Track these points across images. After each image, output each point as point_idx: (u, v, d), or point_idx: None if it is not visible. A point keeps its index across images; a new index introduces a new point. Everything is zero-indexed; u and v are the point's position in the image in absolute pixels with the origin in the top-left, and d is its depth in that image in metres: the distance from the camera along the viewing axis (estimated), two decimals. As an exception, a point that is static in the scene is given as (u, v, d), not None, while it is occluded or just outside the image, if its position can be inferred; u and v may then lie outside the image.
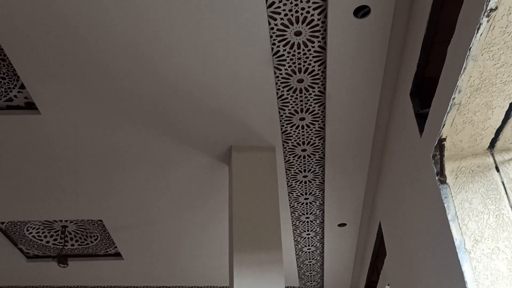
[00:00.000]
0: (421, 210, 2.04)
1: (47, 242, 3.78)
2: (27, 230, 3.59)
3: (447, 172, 1.77)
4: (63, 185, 2.97)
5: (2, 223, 3.44)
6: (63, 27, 1.95)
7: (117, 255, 3.94)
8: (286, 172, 2.91)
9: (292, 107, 2.43)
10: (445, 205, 1.72)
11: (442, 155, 1.76)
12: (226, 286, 4.45)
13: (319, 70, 2.21)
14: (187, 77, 2.21)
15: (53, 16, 1.90)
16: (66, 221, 3.52)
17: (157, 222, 3.43)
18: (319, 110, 2.45)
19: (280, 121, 2.52)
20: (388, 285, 3.01)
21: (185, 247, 3.76)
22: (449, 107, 1.60)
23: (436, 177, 1.78)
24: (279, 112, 2.46)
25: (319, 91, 2.33)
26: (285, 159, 2.80)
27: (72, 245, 3.84)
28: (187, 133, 2.58)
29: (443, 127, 1.68)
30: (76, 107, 2.37)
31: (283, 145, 2.70)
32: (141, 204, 3.20)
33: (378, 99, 2.36)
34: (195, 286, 4.53)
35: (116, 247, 3.82)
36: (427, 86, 1.97)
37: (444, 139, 1.73)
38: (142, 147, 2.66)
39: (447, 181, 1.76)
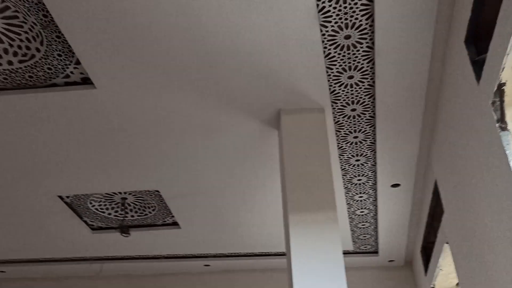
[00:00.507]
0: (481, 160, 1.98)
1: (109, 214, 3.98)
2: (90, 203, 3.79)
3: (507, 118, 1.70)
4: (121, 157, 3.10)
5: (68, 197, 3.65)
6: (113, 1, 2.00)
7: (175, 224, 4.09)
8: (336, 133, 2.90)
9: (340, 65, 2.39)
10: (507, 152, 1.66)
11: (502, 101, 1.70)
12: (282, 252, 4.54)
13: (366, 24, 2.16)
14: (233, 40, 2.22)
15: (102, -12, 1.96)
16: (125, 193, 3.68)
17: (210, 190, 3.52)
18: (368, 66, 2.40)
19: (328, 80, 2.49)
20: (447, 243, 2.96)
21: (239, 214, 3.84)
22: (508, 49, 1.53)
23: (496, 124, 1.72)
24: (327, 72, 2.44)
25: (367, 46, 2.28)
26: (334, 120, 2.78)
27: (132, 216, 4.02)
28: (235, 99, 2.61)
29: (502, 71, 1.61)
30: (129, 79, 2.45)
31: (332, 105, 2.67)
32: (194, 172, 3.29)
33: (430, 50, 2.28)
34: (251, 253, 4.65)
35: (173, 216, 3.97)
36: (482, 31, 1.89)
37: (504, 84, 1.66)
38: (193, 115, 2.72)
39: (508, 127, 1.69)
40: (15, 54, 2.37)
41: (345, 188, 3.47)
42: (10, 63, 2.42)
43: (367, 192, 3.53)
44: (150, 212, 3.96)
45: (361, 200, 3.65)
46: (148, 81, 2.46)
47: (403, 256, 4.66)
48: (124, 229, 3.74)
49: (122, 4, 2.02)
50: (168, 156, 3.09)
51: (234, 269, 4.95)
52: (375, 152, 3.07)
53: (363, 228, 4.11)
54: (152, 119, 2.73)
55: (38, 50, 2.35)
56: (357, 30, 2.19)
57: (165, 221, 4.09)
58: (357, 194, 3.55)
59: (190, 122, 2.78)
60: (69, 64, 2.42)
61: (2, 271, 4.90)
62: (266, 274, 4.89)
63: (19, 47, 2.34)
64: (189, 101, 2.61)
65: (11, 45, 2.33)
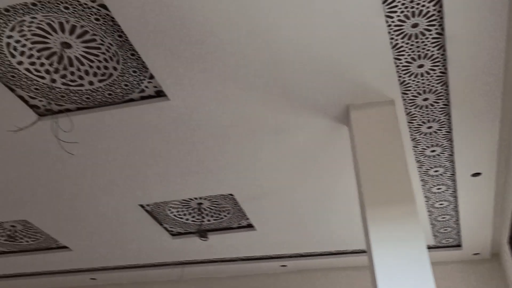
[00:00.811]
0: None
1: (187, 219, 4.14)
2: (169, 210, 3.96)
3: None
4: (195, 164, 3.22)
5: (148, 205, 3.84)
6: (182, 18, 2.10)
7: (250, 226, 4.17)
8: (408, 125, 2.82)
9: (409, 55, 2.34)
10: None
11: None
12: (360, 250, 4.47)
13: (434, 10, 2.09)
14: (297, 36, 2.23)
15: (174, 6, 2.06)
16: (200, 198, 3.81)
17: (283, 190, 3.55)
18: (438, 54, 2.32)
19: (397, 72, 2.44)
20: (538, 232, 2.78)
21: (314, 212, 3.85)
22: None
23: None
24: (395, 63, 2.39)
25: (436, 33, 2.21)
26: (406, 111, 2.71)
27: (208, 220, 4.15)
28: (303, 97, 2.62)
29: None
30: (199, 89, 2.54)
31: (403, 97, 2.61)
32: (266, 174, 3.34)
33: (505, 30, 2.17)
34: (328, 251, 4.63)
35: (247, 218, 4.05)
36: None
37: None
38: (262, 118, 2.77)
39: None
40: (95, 74, 2.55)
41: (422, 180, 3.37)
42: (91, 83, 2.60)
43: (445, 183, 3.40)
44: (225, 216, 4.07)
45: (439, 192, 3.52)
46: (217, 88, 2.54)
47: (489, 248, 4.43)
48: (203, 233, 3.87)
49: (190, 20, 2.11)
50: (241, 160, 3.16)
51: (311, 268, 4.96)
52: (451, 142, 2.96)
53: (444, 221, 3.96)
54: (223, 125, 2.82)
55: (115, 68, 2.50)
56: (425, 17, 2.13)
57: (240, 224, 4.18)
58: (434, 186, 3.43)
59: (260, 125, 2.83)
60: (144, 79, 2.55)
61: (93, 278, 5.23)
62: (344, 273, 4.84)
63: (98, 67, 2.51)
64: (258, 105, 2.66)
65: (91, 67, 2.51)
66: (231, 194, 3.68)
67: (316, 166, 3.26)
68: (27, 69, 2.49)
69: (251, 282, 5.13)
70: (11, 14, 2.16)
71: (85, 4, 2.10)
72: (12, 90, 2.60)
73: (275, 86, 2.53)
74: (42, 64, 2.48)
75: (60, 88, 2.61)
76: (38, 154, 3.07)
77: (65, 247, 4.50)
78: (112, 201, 3.67)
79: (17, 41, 2.33)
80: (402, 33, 2.21)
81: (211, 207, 3.97)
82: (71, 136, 2.79)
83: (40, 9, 2.13)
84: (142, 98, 2.69)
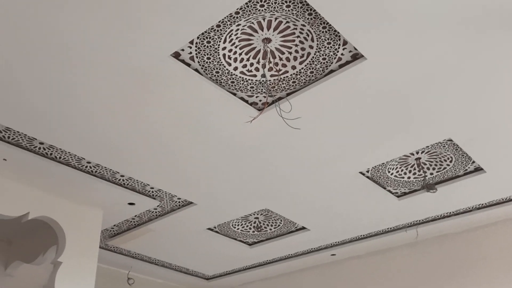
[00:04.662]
0: None
1: (408, 178, 4.15)
2: (388, 172, 4.04)
3: None
4: (400, 120, 3.25)
5: (368, 171, 3.99)
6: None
7: (478, 170, 3.96)
8: None
9: None
10: None
11: None
12: None
13: None
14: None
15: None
16: (417, 152, 3.80)
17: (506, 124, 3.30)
18: None
19: None
20: None
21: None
22: None
23: None
24: None
25: None
26: None
27: (431, 173, 4.08)
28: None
29: None
30: (391, 41, 2.59)
31: None
32: (487, 111, 3.17)
33: None
34: None
35: (473, 162, 3.86)
36: None
37: None
38: (456, 64, 2.67)
39: None
40: (295, 58, 2.83)
41: None
42: (293, 68, 2.89)
43: None
44: (448, 165, 3.96)
45: None
46: (407, 37, 2.55)
47: None
48: (430, 186, 3.84)
49: (369, -30, 2.20)
50: (458, 102, 3.07)
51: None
52: None
53: None
54: (423, 73, 2.80)
55: (311, 47, 2.74)
56: None
57: (466, 170, 4.01)
58: None
59: (458, 66, 2.73)
60: (338, 48, 2.73)
61: (333, 254, 5.61)
62: None
63: (296, 51, 2.79)
64: (454, 50, 2.58)
65: (290, 53, 2.80)
66: (450, 140, 3.58)
67: (540, 83, 2.95)
68: (242, 72, 2.91)
69: (490, 232, 4.81)
70: (221, 28, 2.58)
71: (275, -4, 2.38)
72: (234, 94, 3.06)
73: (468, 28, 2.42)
74: (251, 64, 2.87)
75: (270, 80, 2.97)
76: (267, 146, 3.51)
77: (303, 228, 4.96)
78: (333, 173, 3.93)
79: (229, 50, 2.75)
80: None
81: (430, 160, 3.92)
82: (289, 118, 3.13)
83: (242, 15, 2.49)
84: (341, 66, 2.86)
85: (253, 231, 5.05)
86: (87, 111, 3.08)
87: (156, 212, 4.53)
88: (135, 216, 4.57)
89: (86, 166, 3.73)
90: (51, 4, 2.31)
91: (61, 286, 3.78)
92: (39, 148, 3.48)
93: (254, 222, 4.88)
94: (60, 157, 3.60)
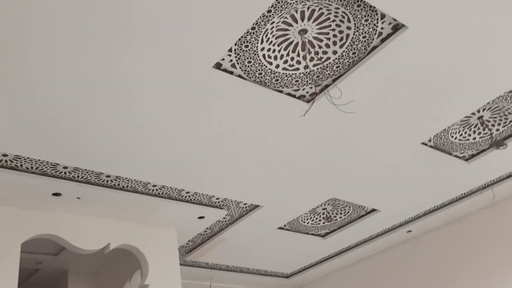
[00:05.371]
0: None
1: (474, 139, 3.99)
2: (452, 136, 3.89)
3: None
4: (461, 77, 3.12)
5: (429, 140, 3.87)
6: None
7: (547, 116, 3.74)
8: None
9: None
10: None
11: None
12: None
13: None
14: None
15: None
16: (478, 111, 3.64)
17: None
18: None
19: None
20: None
21: None
22: None
23: None
24: None
25: None
26: None
27: (497, 129, 3.90)
28: None
29: None
30: (429, 6, 2.50)
31: None
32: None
33: None
34: None
35: (541, 109, 3.65)
36: None
37: None
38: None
39: None
40: (334, 43, 2.79)
41: None
42: (334, 53, 2.85)
43: None
44: (514, 117, 3.77)
45: None
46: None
47: None
48: (499, 143, 3.67)
49: None
50: None
51: None
52: None
53: None
54: (469, 29, 2.68)
55: (349, 28, 2.70)
56: None
57: (535, 119, 3.80)
58: None
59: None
60: (377, 22, 2.66)
61: (409, 231, 5.47)
62: None
63: (334, 35, 2.75)
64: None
65: (328, 39, 2.76)
66: (511, 91, 3.40)
67: None
68: (284, 68, 2.90)
69: None
70: (256, 30, 2.59)
71: (304, -14, 2.36)
72: (280, 92, 3.06)
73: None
74: (292, 58, 2.86)
75: (313, 70, 2.95)
76: (323, 136, 3.49)
77: (373, 210, 4.88)
78: (394, 150, 3.84)
79: (268, 49, 2.76)
80: None
81: (493, 116, 3.74)
82: (341, 104, 3.09)
83: (274, 12, 2.49)
84: (382, 41, 2.79)
85: (324, 222, 5.02)
86: (144, 138, 3.19)
87: (225, 221, 4.60)
88: (207, 228, 4.67)
89: (153, 190, 3.86)
90: (110, 48, 2.41)
91: (152, 308, 3.92)
92: (107, 181, 3.63)
93: (323, 213, 4.85)
94: (127, 186, 3.74)
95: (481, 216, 5.16)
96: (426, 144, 3.90)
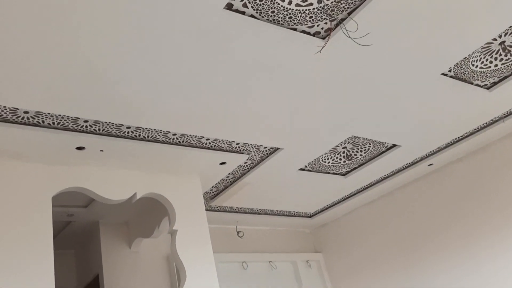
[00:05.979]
0: None
1: (496, 66, 3.87)
2: (472, 65, 3.79)
3: None
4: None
5: (449, 70, 3.77)
6: None
7: None
8: None
9: None
10: None
11: None
12: None
13: None
14: None
15: None
16: (500, 37, 3.51)
17: None
18: None
19: None
20: None
21: None
22: None
23: None
24: None
25: None
26: None
27: (521, 54, 3.77)
28: None
29: None
30: None
31: None
32: None
33: None
34: None
35: None
36: None
37: None
38: None
39: None
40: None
41: None
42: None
43: None
44: (538, 40, 3.62)
45: None
46: None
47: None
48: (522, 67, 3.55)
49: None
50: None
51: None
52: None
53: None
54: None
55: None
56: None
57: (560, 39, 3.64)
58: None
59: None
60: None
61: (430, 164, 5.47)
62: None
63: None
64: None
65: None
66: (534, 11, 3.25)
67: None
68: (297, 5, 2.81)
69: None
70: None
71: None
72: (294, 30, 2.98)
73: None
74: (305, -7, 2.76)
75: (327, 4, 2.85)
76: (341, 72, 3.43)
77: (394, 145, 4.87)
78: (414, 82, 3.76)
79: (280, -15, 2.66)
80: None
81: (516, 40, 3.61)
82: (358, 37, 3.00)
83: None
84: None
85: (344, 161, 5.05)
86: (159, 89, 3.18)
87: (247, 165, 4.66)
88: (229, 174, 4.75)
89: (173, 139, 3.90)
90: (101, -8, 2.35)
91: (183, 252, 4.06)
92: (128, 133, 3.68)
93: (343, 152, 4.86)
94: (148, 136, 3.79)
95: (504, 144, 5.10)
96: (446, 75, 3.81)
